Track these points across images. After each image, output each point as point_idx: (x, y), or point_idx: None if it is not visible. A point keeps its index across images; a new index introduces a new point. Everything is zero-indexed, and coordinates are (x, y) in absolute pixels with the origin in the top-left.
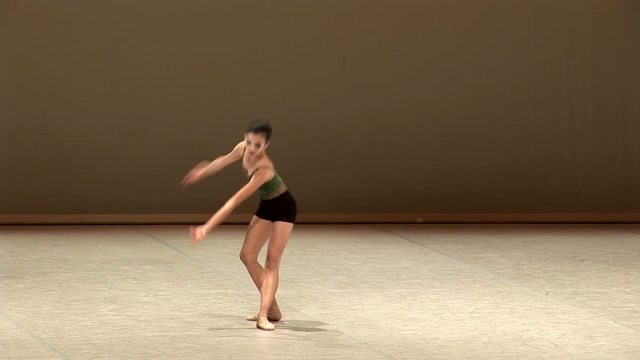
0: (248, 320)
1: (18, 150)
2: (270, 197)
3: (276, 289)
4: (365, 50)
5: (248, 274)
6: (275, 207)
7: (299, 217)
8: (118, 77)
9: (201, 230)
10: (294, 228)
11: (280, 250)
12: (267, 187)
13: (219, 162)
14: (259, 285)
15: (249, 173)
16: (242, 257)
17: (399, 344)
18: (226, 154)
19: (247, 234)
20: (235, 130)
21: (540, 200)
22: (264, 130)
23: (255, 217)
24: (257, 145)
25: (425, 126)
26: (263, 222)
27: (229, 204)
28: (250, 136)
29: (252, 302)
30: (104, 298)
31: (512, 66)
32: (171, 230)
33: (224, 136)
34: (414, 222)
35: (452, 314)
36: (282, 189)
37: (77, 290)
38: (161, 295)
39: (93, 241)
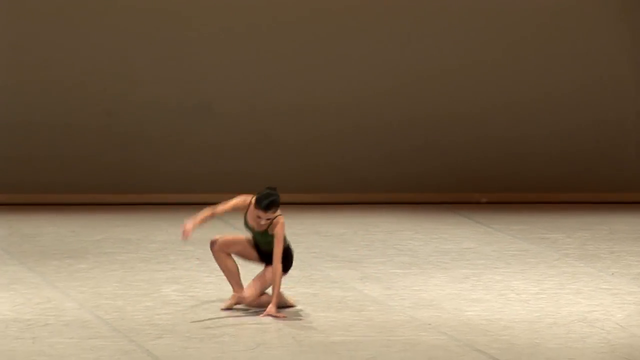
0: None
1: (81, 130)
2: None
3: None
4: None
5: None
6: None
7: (362, 196)
8: (182, 55)
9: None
10: (352, 209)
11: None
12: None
13: (208, 214)
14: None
15: (256, 229)
16: (212, 242)
17: (463, 324)
18: (218, 206)
19: (234, 236)
20: (295, 107)
21: (606, 180)
22: (275, 206)
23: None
24: (268, 220)
25: (492, 108)
26: (252, 250)
27: (278, 268)
28: (261, 213)
29: (315, 282)
30: (167, 278)
31: (578, 51)
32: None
33: (286, 115)
34: (478, 202)
35: (517, 294)
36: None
37: (139, 270)
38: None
39: (156, 221)
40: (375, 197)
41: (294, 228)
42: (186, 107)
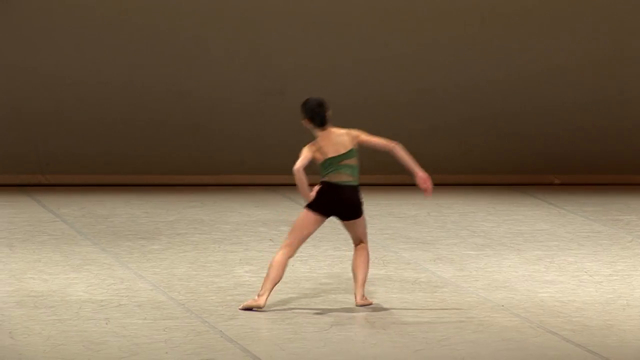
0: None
1: (154, 111)
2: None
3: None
4: (504, 9)
5: (382, 236)
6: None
7: (436, 177)
8: (255, 38)
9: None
10: (428, 191)
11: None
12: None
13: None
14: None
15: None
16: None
17: (536, 306)
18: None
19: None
20: (369, 90)
21: None
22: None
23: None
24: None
25: (564, 88)
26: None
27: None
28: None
29: (388, 264)
30: (240, 259)
31: None
32: None
33: (359, 96)
34: (551, 184)
35: (590, 276)
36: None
37: (212, 251)
38: (297, 257)
39: (229, 202)
40: (448, 179)
41: (367, 210)
42: (259, 90)
